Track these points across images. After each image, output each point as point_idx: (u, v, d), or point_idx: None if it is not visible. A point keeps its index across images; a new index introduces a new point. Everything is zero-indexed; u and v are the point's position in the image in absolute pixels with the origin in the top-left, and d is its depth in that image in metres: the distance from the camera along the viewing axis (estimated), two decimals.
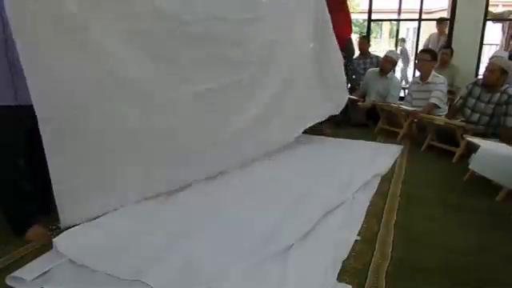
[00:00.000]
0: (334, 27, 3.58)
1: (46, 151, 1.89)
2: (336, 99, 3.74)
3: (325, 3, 3.46)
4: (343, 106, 3.82)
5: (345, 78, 3.85)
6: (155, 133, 2.34)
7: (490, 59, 3.68)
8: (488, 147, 2.77)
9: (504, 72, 3.26)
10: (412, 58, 7.77)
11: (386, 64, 4.49)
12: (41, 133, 1.85)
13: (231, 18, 2.75)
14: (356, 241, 2.01)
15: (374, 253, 1.91)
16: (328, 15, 3.48)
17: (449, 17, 5.59)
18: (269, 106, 3.13)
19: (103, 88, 2.08)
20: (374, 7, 5.99)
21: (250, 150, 3.02)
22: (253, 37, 2.94)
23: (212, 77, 2.66)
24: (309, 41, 3.44)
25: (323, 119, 3.72)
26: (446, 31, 5.58)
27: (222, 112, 2.78)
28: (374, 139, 4.02)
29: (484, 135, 3.24)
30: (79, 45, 1.95)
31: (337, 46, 3.61)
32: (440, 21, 5.70)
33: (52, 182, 1.95)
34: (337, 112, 3.79)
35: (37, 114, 1.81)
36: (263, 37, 3.02)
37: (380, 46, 13.39)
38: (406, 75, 7.87)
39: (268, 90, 3.13)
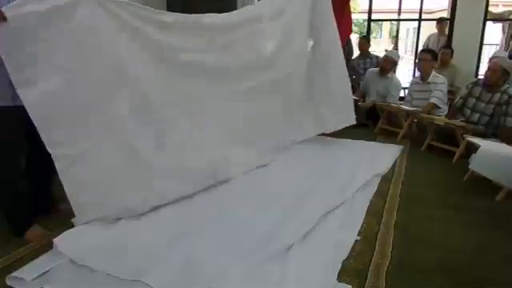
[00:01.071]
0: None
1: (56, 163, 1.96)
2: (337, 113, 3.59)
3: (328, 9, 3.39)
4: (352, 120, 3.61)
5: (350, 92, 3.68)
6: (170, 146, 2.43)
7: (493, 59, 3.67)
8: (488, 147, 2.76)
9: (506, 72, 3.26)
10: (412, 57, 7.76)
11: (386, 64, 4.49)
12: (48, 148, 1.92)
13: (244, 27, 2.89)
14: (356, 241, 2.01)
15: (374, 253, 1.91)
16: (332, 26, 3.41)
17: (449, 17, 5.59)
18: (277, 113, 3.24)
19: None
20: (374, 7, 5.99)
21: (253, 156, 3.04)
22: (263, 44, 3.06)
23: (225, 85, 2.79)
24: (306, 46, 3.45)
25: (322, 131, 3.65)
26: (446, 31, 5.58)
27: (235, 122, 2.89)
28: (374, 139, 4.02)
29: (484, 135, 3.23)
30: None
31: (342, 60, 3.52)
32: (440, 21, 5.69)
33: (66, 192, 2.00)
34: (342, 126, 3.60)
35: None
36: (271, 46, 3.11)
37: (380, 46, 13.39)
38: None
39: (276, 98, 3.22)
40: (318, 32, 3.42)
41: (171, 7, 4.44)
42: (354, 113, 3.64)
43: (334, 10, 3.59)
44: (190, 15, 2.55)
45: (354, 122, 3.62)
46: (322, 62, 3.46)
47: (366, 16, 6.39)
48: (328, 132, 3.63)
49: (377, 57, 5.31)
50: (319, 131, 3.63)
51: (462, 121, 3.48)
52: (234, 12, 3.06)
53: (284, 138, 3.37)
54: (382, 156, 3.35)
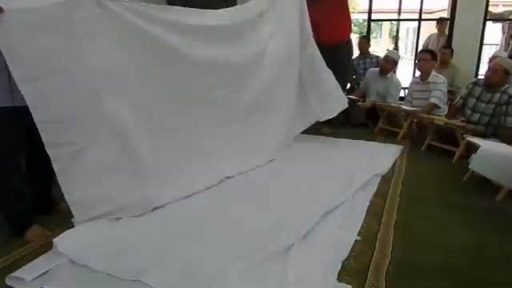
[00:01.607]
0: (336, 26, 3.53)
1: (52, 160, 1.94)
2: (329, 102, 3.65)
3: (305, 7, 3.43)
4: (343, 106, 3.70)
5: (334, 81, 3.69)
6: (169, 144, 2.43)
7: (493, 59, 3.67)
8: (488, 147, 2.76)
9: (506, 72, 3.26)
10: (412, 57, 7.77)
11: (387, 64, 4.49)
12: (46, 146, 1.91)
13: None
14: (356, 241, 2.01)
15: (374, 253, 1.91)
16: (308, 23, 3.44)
17: (449, 17, 5.59)
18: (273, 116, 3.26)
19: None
20: (374, 7, 5.99)
21: (253, 156, 3.06)
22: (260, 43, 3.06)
23: (224, 84, 2.81)
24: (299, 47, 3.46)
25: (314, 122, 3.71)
26: (446, 31, 5.58)
27: (235, 122, 2.91)
28: (374, 139, 4.01)
29: (484, 135, 3.23)
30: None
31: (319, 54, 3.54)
32: (440, 21, 5.70)
33: (63, 191, 1.99)
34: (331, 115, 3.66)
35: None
36: (267, 43, 3.11)
37: (380, 46, 13.41)
38: None
39: (276, 97, 3.24)
40: (306, 28, 3.42)
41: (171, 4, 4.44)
42: (345, 97, 3.74)
43: (333, 9, 3.60)
44: (189, 10, 2.54)
45: (347, 106, 3.71)
46: (313, 59, 3.49)
47: (366, 16, 6.40)
48: (322, 120, 3.69)
49: (377, 57, 5.31)
50: (313, 122, 3.69)
51: (462, 121, 3.48)
52: (233, 10, 2.99)
53: (284, 137, 3.37)
54: (382, 156, 3.35)
